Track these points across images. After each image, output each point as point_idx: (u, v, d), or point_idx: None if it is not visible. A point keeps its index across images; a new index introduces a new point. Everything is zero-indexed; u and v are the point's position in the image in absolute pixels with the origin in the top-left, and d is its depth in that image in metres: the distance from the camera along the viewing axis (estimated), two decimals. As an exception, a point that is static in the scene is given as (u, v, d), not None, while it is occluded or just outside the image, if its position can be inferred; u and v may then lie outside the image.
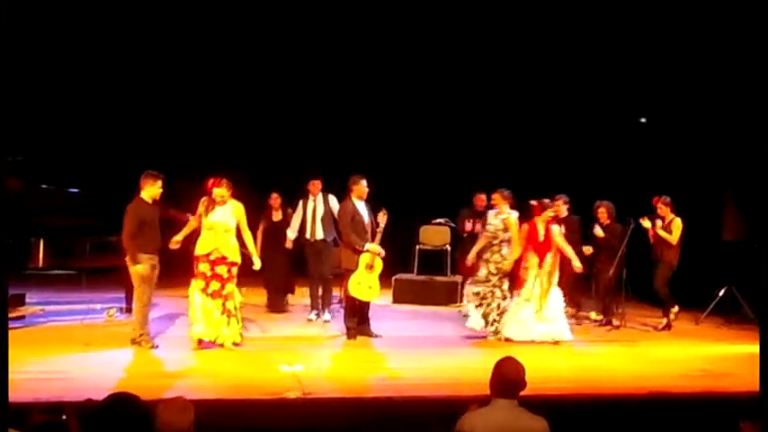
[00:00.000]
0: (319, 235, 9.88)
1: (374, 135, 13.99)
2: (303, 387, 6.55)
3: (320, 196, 9.89)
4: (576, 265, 9.11)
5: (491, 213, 9.11)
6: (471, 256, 9.17)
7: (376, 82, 13.70)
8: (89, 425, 3.33)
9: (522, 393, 4.00)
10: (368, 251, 8.64)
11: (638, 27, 12.07)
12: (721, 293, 10.47)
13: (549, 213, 9.02)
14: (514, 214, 8.94)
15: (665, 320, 10.03)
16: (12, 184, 9.12)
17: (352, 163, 10.90)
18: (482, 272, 8.95)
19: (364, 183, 8.89)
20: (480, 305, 8.89)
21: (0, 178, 8.69)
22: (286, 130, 13.94)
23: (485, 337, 8.92)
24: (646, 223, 9.90)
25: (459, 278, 9.70)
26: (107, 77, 13.11)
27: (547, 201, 9.15)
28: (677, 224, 9.88)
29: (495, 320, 8.86)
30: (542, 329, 8.83)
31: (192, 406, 3.69)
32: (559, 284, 9.05)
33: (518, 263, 8.92)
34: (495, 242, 8.91)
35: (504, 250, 8.88)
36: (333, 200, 9.86)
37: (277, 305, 10.44)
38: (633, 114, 13.89)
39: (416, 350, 8.52)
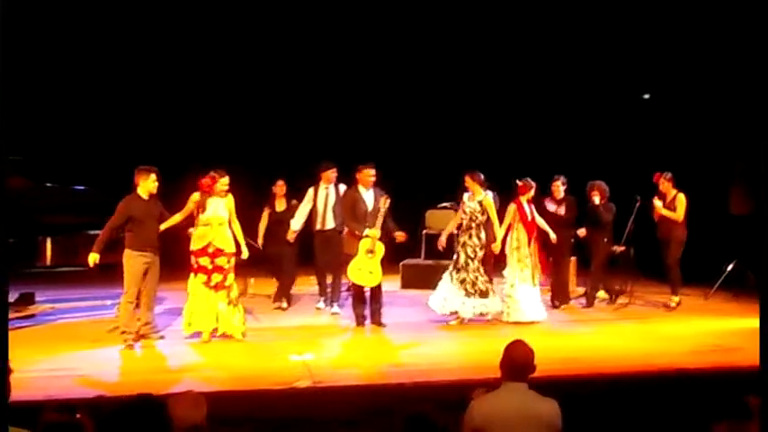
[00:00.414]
0: (330, 224, 9.66)
1: (379, 119, 13.95)
2: (313, 376, 6.57)
3: (332, 185, 9.70)
4: (552, 236, 9.33)
5: (465, 196, 8.95)
6: (443, 239, 9.11)
7: (380, 66, 13.67)
8: (108, 425, 3.32)
9: (531, 375, 3.99)
10: (367, 236, 8.60)
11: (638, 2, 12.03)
12: (729, 268, 10.43)
13: (531, 193, 9.14)
14: (490, 194, 8.89)
15: (677, 299, 9.94)
16: (16, 183, 9.14)
17: (358, 148, 10.92)
18: (461, 257, 8.81)
19: (369, 171, 8.84)
20: (473, 293, 8.74)
21: (1, 177, 8.76)
22: (290, 119, 13.90)
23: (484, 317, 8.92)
24: (658, 203, 9.79)
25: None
26: (110, 73, 13.11)
27: (530, 180, 9.17)
28: (681, 200, 9.75)
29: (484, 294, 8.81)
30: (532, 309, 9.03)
31: (205, 399, 3.70)
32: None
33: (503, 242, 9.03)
34: (474, 225, 8.81)
35: (482, 234, 8.80)
36: (344, 189, 9.61)
37: (283, 292, 10.01)
38: (636, 91, 13.83)
39: (425, 336, 8.50)
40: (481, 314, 8.84)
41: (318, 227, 9.72)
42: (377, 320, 8.87)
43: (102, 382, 6.54)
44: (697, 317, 9.49)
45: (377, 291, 8.89)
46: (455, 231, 9.10)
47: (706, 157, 11.87)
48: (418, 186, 12.72)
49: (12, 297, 9.48)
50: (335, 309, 9.67)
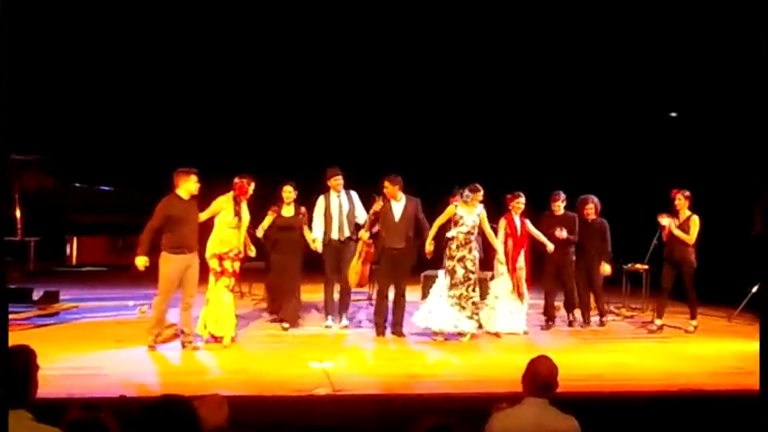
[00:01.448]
0: (347, 233, 9.24)
1: (401, 131, 14.05)
2: (333, 384, 6.59)
3: (343, 192, 9.31)
4: (549, 247, 9.22)
5: (459, 209, 8.75)
6: (429, 249, 8.75)
7: (387, 71, 13.85)
8: (135, 425, 3.35)
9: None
10: (360, 239, 8.81)
11: (660, 22, 12.01)
12: (754, 290, 10.34)
13: (519, 206, 9.10)
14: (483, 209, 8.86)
15: (695, 322, 9.65)
16: (44, 183, 9.26)
17: (370, 155, 10.94)
18: (458, 272, 8.65)
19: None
20: (465, 307, 8.62)
21: (19, 177, 8.89)
22: (300, 122, 14.08)
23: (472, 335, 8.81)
24: (664, 221, 9.44)
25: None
26: (138, 76, 13.28)
27: (519, 194, 9.15)
28: (695, 222, 9.36)
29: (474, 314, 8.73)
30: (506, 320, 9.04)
31: (227, 402, 3.72)
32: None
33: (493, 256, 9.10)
34: (472, 239, 8.74)
35: (475, 247, 8.77)
36: (354, 195, 9.42)
37: (289, 314, 9.04)
38: (663, 109, 13.79)
39: (445, 347, 8.49)
40: (460, 333, 8.71)
41: (335, 236, 9.19)
42: (398, 331, 8.85)
43: (124, 382, 6.58)
44: (720, 338, 9.41)
45: (400, 301, 8.88)
46: (451, 247, 8.75)
47: (731, 178, 11.79)
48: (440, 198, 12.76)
49: (36, 295, 9.59)
50: (345, 321, 9.33)
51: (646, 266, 10.58)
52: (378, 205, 8.67)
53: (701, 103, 12.68)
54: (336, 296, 9.36)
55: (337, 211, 9.21)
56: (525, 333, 9.14)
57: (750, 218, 11.12)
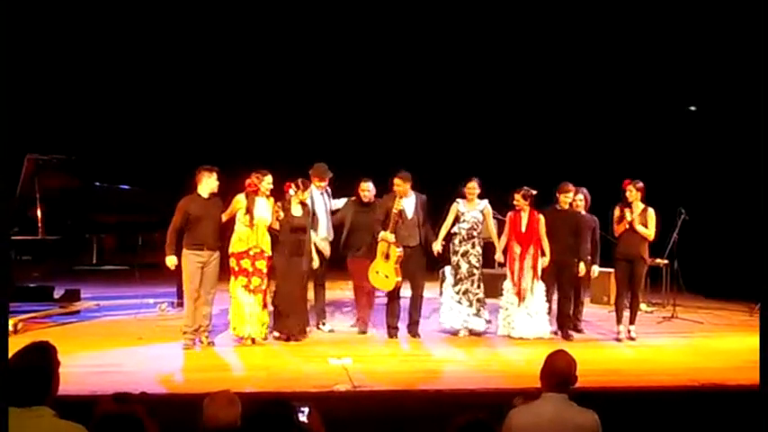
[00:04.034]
0: (323, 234, 8.91)
1: (420, 128, 14.03)
2: (352, 380, 6.60)
3: (319, 191, 8.92)
4: (545, 260, 8.64)
5: (461, 204, 8.76)
6: (438, 247, 8.68)
7: (384, 69, 13.82)
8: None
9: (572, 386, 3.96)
10: (383, 240, 8.46)
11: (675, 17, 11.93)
12: (776, 284, 10.23)
13: (521, 202, 8.65)
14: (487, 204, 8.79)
15: (634, 329, 8.80)
16: (66, 182, 9.33)
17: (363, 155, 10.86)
18: (462, 268, 8.66)
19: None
20: (472, 302, 8.63)
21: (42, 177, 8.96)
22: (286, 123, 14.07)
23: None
24: (629, 215, 8.54)
25: (506, 270, 9.50)
26: (158, 76, 13.37)
27: (528, 189, 8.69)
28: (653, 216, 8.62)
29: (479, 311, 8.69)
30: (527, 325, 8.61)
31: (239, 399, 3.72)
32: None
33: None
34: (475, 234, 8.68)
35: (479, 242, 8.71)
36: (329, 193, 9.15)
37: (295, 328, 8.36)
38: (683, 103, 13.68)
39: (461, 344, 8.46)
40: (471, 332, 8.68)
41: (321, 235, 8.86)
42: (413, 332, 8.72)
43: (145, 380, 6.62)
44: (741, 333, 9.33)
45: (417, 301, 8.75)
46: (455, 243, 8.76)
47: (752, 171, 11.66)
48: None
49: (57, 293, 9.67)
50: (328, 327, 9.04)
51: (666, 261, 10.51)
52: (399, 204, 8.43)
53: (722, 96, 12.57)
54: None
55: (323, 209, 8.94)
56: (556, 334, 8.75)
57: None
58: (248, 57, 13.59)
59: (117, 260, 9.93)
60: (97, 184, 9.84)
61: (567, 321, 8.86)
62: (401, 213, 8.50)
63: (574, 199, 8.90)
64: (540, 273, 8.65)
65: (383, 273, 8.52)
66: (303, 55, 13.73)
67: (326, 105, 14.01)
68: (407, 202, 8.64)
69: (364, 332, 8.84)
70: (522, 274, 8.64)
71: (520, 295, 8.62)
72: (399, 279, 8.52)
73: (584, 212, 9.12)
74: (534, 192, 8.69)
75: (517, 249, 8.67)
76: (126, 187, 10.25)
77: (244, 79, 13.77)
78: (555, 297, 8.96)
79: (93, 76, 13.10)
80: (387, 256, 8.48)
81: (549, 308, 8.83)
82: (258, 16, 13.21)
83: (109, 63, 13.13)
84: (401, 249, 8.45)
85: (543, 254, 8.67)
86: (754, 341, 8.71)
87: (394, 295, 8.71)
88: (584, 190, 9.16)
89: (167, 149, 13.14)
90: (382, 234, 8.48)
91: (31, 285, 9.25)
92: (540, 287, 8.69)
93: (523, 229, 8.66)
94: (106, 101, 13.31)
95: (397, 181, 8.57)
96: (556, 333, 8.79)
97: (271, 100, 13.87)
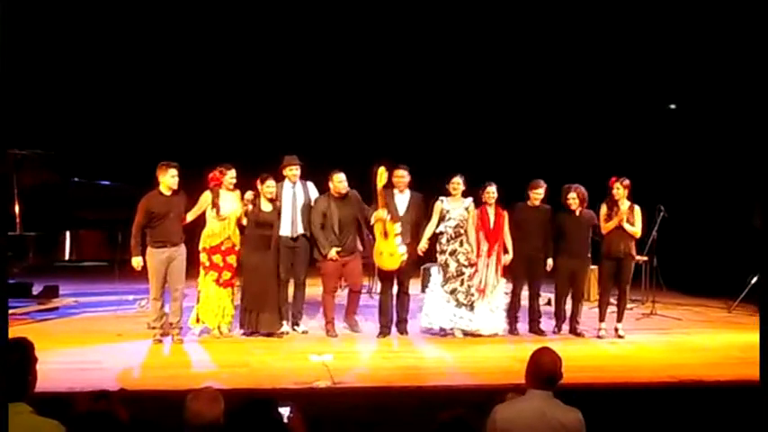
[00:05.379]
0: (300, 229, 8.44)
1: (409, 122, 14.03)
2: (333, 376, 6.59)
3: (299, 183, 8.52)
4: (508, 257, 8.57)
5: (445, 202, 8.51)
6: (423, 246, 8.43)
7: (380, 67, 13.78)
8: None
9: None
10: (378, 220, 8.18)
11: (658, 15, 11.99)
12: (753, 281, 10.33)
13: (490, 198, 8.53)
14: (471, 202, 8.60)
15: (618, 327, 8.77)
16: (45, 178, 9.25)
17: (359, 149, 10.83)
18: (450, 266, 8.46)
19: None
20: (464, 304, 8.45)
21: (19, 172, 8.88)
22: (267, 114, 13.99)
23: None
24: (623, 213, 8.46)
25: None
26: (137, 70, 13.29)
27: (491, 185, 8.58)
28: (639, 213, 8.58)
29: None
30: (487, 320, 8.54)
31: (221, 396, 3.70)
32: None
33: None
34: (462, 231, 8.48)
35: (470, 240, 8.51)
36: (311, 187, 8.64)
37: (269, 324, 8.23)
38: (662, 101, 13.78)
39: (447, 342, 8.42)
40: (472, 334, 8.51)
41: (288, 233, 8.39)
42: (402, 329, 8.64)
43: (124, 376, 6.58)
44: (720, 329, 9.40)
45: (404, 300, 8.61)
46: (441, 242, 8.55)
47: (731, 169, 11.78)
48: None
49: (36, 290, 9.58)
50: (302, 327, 8.66)
51: (645, 258, 10.56)
52: (381, 183, 8.02)
53: (701, 94, 12.67)
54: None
55: (290, 203, 8.44)
56: (509, 332, 8.68)
57: (750, 209, 11.09)
58: (226, 54, 13.51)
59: (96, 256, 9.86)
60: (76, 179, 9.76)
61: (537, 317, 8.85)
62: (387, 206, 8.22)
63: (566, 197, 8.64)
64: (500, 269, 8.57)
65: (387, 252, 8.25)
66: (274, 48, 13.66)
67: (296, 100, 13.95)
68: (401, 198, 8.48)
69: (335, 335, 8.51)
70: (488, 271, 8.56)
71: (483, 291, 8.52)
72: (404, 253, 8.25)
73: (578, 210, 8.67)
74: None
75: (484, 246, 8.54)
76: (106, 183, 10.17)
77: (225, 76, 13.68)
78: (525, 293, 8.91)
79: (72, 71, 12.98)
80: (385, 234, 8.22)
81: (514, 304, 8.80)
82: (228, 9, 13.12)
83: (88, 58, 13.02)
84: (399, 225, 8.23)
85: (506, 251, 8.62)
86: (731, 338, 8.86)
87: (387, 292, 8.56)
88: (581, 188, 8.73)
89: (147, 144, 13.01)
90: (375, 214, 8.18)
91: (10, 282, 9.16)
92: (502, 283, 8.65)
93: (491, 225, 8.55)
94: (86, 96, 13.19)
95: (400, 173, 8.39)
96: (512, 331, 8.73)
97: (269, 99, 13.82)
